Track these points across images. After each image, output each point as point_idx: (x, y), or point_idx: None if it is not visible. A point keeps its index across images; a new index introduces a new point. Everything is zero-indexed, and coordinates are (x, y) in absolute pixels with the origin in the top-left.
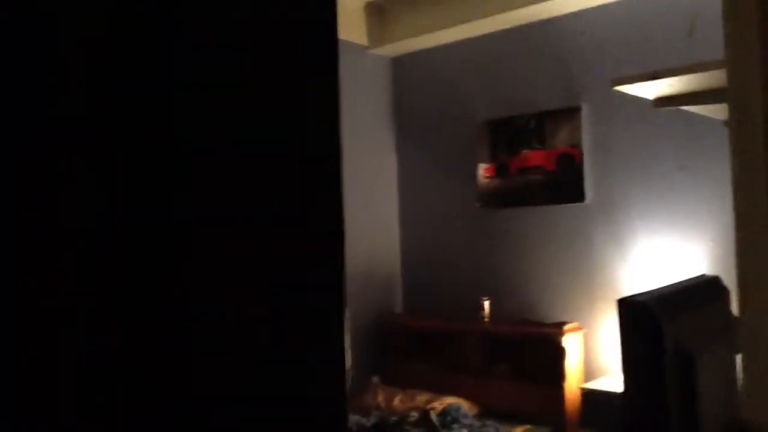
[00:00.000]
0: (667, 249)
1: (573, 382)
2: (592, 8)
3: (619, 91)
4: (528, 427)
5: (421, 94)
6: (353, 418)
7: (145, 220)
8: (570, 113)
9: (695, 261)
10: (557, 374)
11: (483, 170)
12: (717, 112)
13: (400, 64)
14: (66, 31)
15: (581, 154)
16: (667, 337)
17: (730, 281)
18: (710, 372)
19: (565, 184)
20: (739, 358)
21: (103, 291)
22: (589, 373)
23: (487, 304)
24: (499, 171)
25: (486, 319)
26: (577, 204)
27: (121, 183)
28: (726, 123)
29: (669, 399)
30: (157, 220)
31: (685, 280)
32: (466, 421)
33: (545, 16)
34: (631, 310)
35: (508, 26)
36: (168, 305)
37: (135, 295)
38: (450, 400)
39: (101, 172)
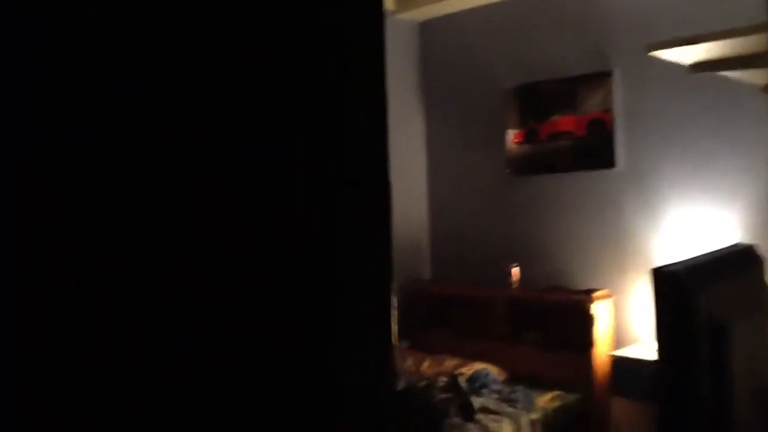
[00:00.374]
0: (700, 217)
1: (602, 349)
2: None
3: (654, 56)
4: (558, 392)
5: (449, 59)
6: None
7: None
8: (601, 78)
9: (729, 229)
10: (586, 341)
11: (512, 136)
12: (755, 77)
13: (427, 30)
14: (70, 30)
15: (613, 120)
16: (699, 308)
17: (765, 250)
18: (743, 342)
19: (595, 150)
20: None
21: (103, 290)
22: (619, 341)
23: (515, 270)
24: (529, 137)
25: (514, 286)
26: (607, 170)
27: (121, 180)
28: (764, 89)
29: (700, 369)
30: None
31: (718, 249)
32: (495, 387)
33: None
34: (664, 280)
35: None
36: (172, 298)
37: (137, 292)
38: (479, 366)
39: (102, 169)
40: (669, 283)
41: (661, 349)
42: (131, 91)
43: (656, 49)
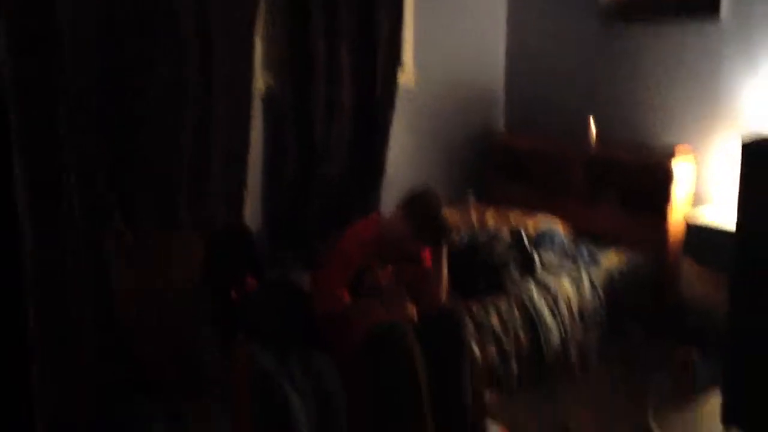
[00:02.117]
0: None
1: (678, 209)
2: None
3: None
4: (622, 252)
5: None
6: None
7: None
8: None
9: None
10: (663, 200)
11: None
12: None
13: None
14: None
15: None
16: None
17: None
18: None
19: None
20: None
21: None
22: (697, 201)
23: (594, 123)
24: None
25: (593, 141)
26: (709, 21)
27: None
28: None
29: None
30: None
31: None
32: (560, 243)
33: None
34: (756, 150)
35: None
36: None
37: None
38: (544, 220)
39: None
40: (761, 153)
41: (744, 217)
42: None
43: None
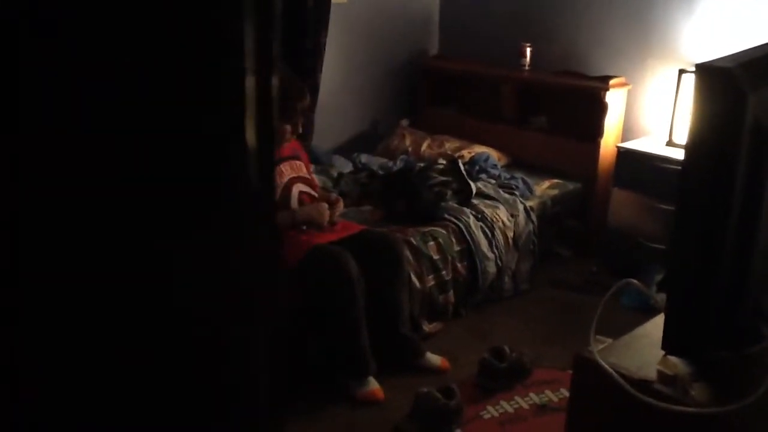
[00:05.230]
0: (742, 6)
1: (610, 139)
2: None
3: None
4: (558, 180)
5: None
6: (379, 161)
7: None
8: None
9: None
10: (595, 130)
11: None
12: None
13: None
14: None
15: None
16: (747, 111)
17: None
18: None
19: None
20: None
21: None
22: (627, 131)
23: (528, 51)
24: None
25: (526, 68)
26: None
27: None
28: None
29: (736, 175)
30: None
31: (763, 46)
32: (494, 172)
33: None
34: (713, 76)
35: None
36: None
37: None
38: (480, 149)
39: None
40: (719, 80)
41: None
42: None
43: None
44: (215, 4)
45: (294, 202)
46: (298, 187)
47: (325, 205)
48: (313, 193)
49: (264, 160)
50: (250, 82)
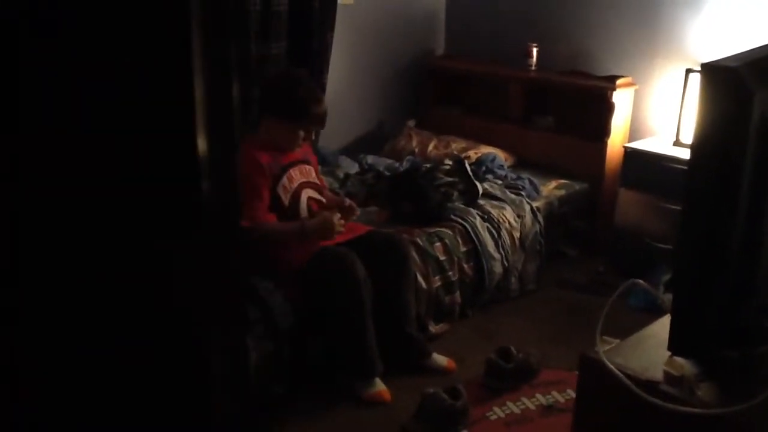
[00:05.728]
0: (750, 7)
1: (617, 139)
2: None
3: None
4: (562, 181)
5: None
6: (386, 162)
7: None
8: None
9: None
10: (602, 130)
11: None
12: None
13: None
14: None
15: None
16: (753, 110)
17: None
18: None
19: None
20: None
21: None
22: (634, 131)
23: (535, 50)
24: None
25: (533, 67)
26: None
27: None
28: None
29: (744, 171)
30: None
31: None
32: (501, 172)
33: None
34: (719, 75)
35: None
36: None
37: None
38: (486, 150)
39: None
40: (725, 80)
41: (701, 148)
42: None
43: None
44: (162, 4)
45: (303, 209)
46: (307, 193)
47: (333, 218)
48: (321, 198)
49: (219, 164)
50: (198, 83)
